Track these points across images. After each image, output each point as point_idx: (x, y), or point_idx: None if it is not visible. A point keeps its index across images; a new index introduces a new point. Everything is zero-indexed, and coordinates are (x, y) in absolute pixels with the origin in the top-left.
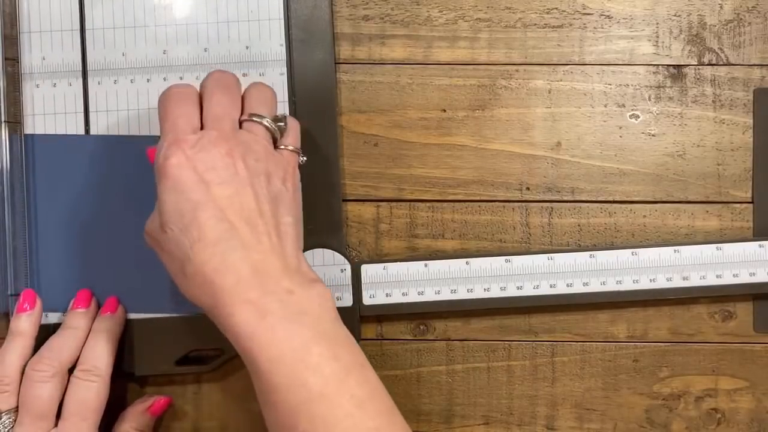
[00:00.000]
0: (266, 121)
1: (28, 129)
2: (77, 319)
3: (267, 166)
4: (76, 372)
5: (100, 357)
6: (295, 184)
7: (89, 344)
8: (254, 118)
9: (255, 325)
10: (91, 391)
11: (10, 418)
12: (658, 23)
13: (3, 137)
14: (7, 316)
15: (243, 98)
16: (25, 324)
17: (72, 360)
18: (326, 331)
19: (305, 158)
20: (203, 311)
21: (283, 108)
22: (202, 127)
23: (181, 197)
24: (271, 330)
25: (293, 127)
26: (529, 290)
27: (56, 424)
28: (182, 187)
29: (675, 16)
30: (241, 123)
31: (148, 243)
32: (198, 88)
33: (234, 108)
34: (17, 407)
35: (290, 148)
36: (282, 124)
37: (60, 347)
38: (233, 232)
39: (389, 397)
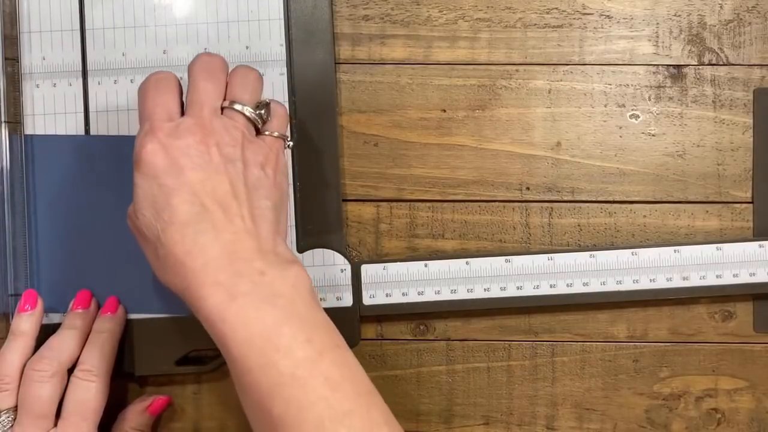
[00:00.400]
0: (247, 110)
1: (28, 129)
2: (77, 320)
3: (244, 153)
4: (75, 372)
5: (99, 357)
6: (278, 169)
7: (89, 344)
8: (235, 107)
9: (225, 307)
10: (90, 391)
11: (9, 417)
12: (658, 23)
13: (3, 137)
14: (7, 317)
15: (227, 82)
16: (26, 324)
17: (72, 360)
18: (300, 313)
19: (292, 143)
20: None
21: None
22: (184, 113)
23: (153, 182)
24: (242, 312)
25: (279, 113)
26: (529, 290)
27: (56, 424)
28: (155, 172)
29: (675, 16)
30: (222, 109)
31: (131, 229)
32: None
33: (216, 95)
34: (16, 406)
35: (275, 134)
36: (263, 111)
37: (59, 347)
38: (205, 215)
39: (368, 379)
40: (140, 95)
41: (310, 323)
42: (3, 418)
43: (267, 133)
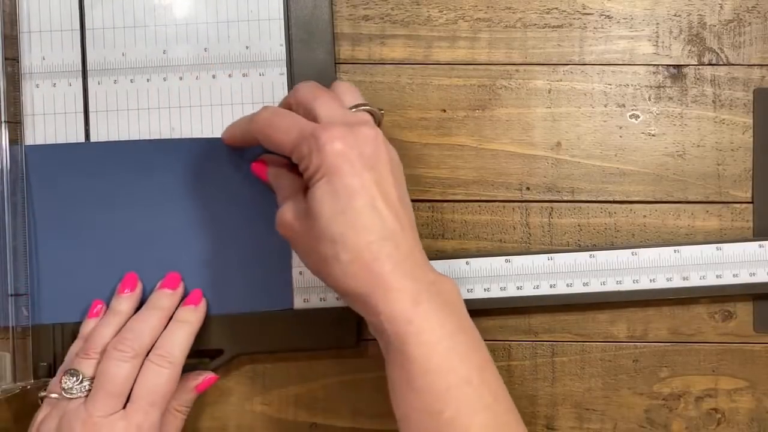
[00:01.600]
0: (369, 108)
1: (28, 129)
2: (164, 300)
3: (390, 151)
4: (150, 356)
5: (176, 345)
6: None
7: (168, 331)
8: (362, 108)
9: (412, 310)
10: (162, 377)
11: (87, 384)
12: (658, 23)
13: (3, 137)
14: (6, 330)
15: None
16: (123, 304)
17: (152, 343)
18: (465, 323)
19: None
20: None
21: None
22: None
23: (336, 183)
24: (426, 316)
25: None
26: (529, 290)
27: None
28: (340, 174)
29: (675, 16)
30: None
31: (282, 233)
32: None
33: (339, 102)
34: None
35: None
36: (375, 108)
37: (142, 330)
38: (384, 221)
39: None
40: (264, 130)
41: (475, 334)
42: (84, 383)
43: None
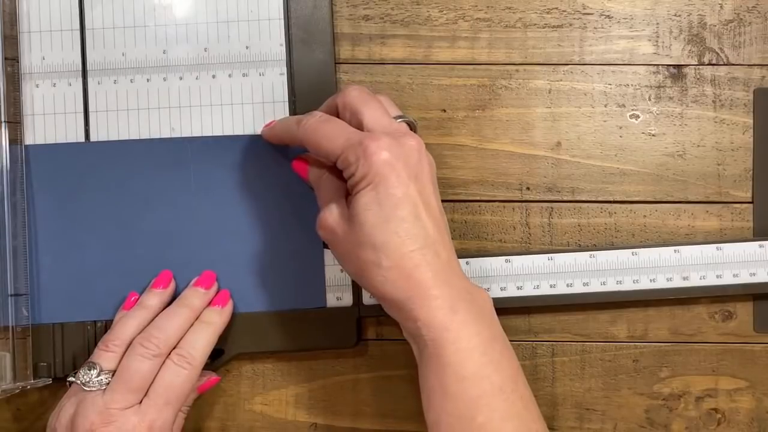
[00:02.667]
0: (407, 120)
1: (28, 129)
2: (195, 299)
3: (430, 161)
4: (172, 355)
5: (198, 347)
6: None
7: (192, 331)
8: (401, 120)
9: (450, 317)
10: (180, 377)
11: (107, 377)
12: (658, 23)
13: (3, 137)
14: (6, 330)
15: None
16: (153, 300)
17: (177, 341)
18: (498, 332)
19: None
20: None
21: (282, 108)
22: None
23: (382, 192)
24: (463, 324)
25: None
26: (529, 290)
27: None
28: (386, 183)
29: (675, 16)
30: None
31: (323, 236)
32: None
33: (385, 112)
34: (115, 371)
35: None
36: (413, 119)
37: (169, 328)
38: (426, 230)
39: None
40: (312, 136)
41: (507, 343)
42: (102, 377)
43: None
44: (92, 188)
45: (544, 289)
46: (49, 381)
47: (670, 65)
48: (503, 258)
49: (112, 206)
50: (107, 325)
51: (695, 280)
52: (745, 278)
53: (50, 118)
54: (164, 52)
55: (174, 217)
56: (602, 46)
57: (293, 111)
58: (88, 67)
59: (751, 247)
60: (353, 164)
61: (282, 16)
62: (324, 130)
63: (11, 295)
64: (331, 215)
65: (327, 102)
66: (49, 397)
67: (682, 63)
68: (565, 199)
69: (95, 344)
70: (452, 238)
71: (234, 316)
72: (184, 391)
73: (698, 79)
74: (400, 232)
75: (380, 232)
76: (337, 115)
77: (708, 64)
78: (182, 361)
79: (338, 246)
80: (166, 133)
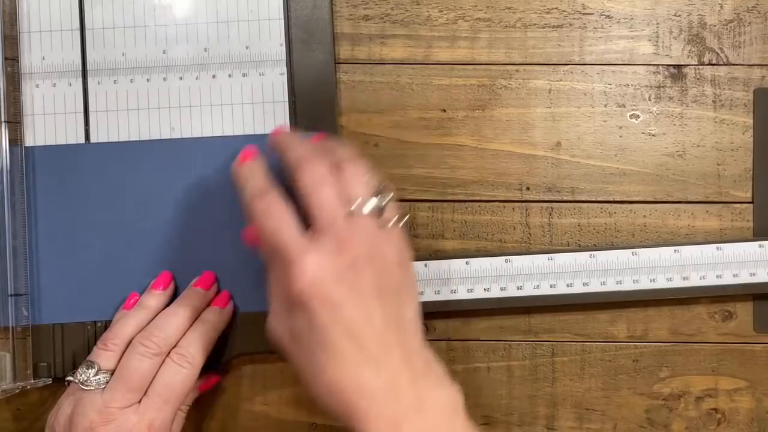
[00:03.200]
0: (370, 206)
1: (28, 129)
2: (195, 299)
3: (384, 258)
4: (172, 354)
5: (198, 346)
6: (410, 260)
7: (192, 330)
8: (361, 209)
9: None
10: (179, 376)
11: (105, 377)
12: (658, 23)
13: (3, 137)
14: (6, 330)
15: (339, 178)
16: (153, 301)
17: (177, 341)
18: None
19: (407, 216)
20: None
21: (282, 108)
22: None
23: (310, 318)
24: None
25: (390, 192)
26: (529, 290)
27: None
28: (312, 311)
29: (675, 16)
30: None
31: (273, 340)
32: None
33: (339, 200)
34: (113, 370)
35: (393, 222)
36: (385, 196)
37: (168, 328)
38: (363, 352)
39: None
40: (257, 218)
41: None
42: (100, 377)
43: (388, 223)
44: (93, 188)
45: (544, 289)
46: (49, 381)
47: (670, 65)
48: (503, 258)
49: (114, 206)
50: (107, 325)
51: (695, 280)
52: (745, 278)
53: (50, 118)
54: (164, 52)
55: (174, 217)
56: (602, 46)
57: (293, 111)
58: (88, 67)
59: (751, 247)
60: (282, 279)
61: (282, 16)
62: (266, 222)
63: (11, 295)
64: (275, 327)
65: (294, 152)
66: (50, 397)
67: (682, 63)
68: (565, 199)
69: (95, 344)
70: (453, 238)
71: (234, 316)
72: (184, 390)
73: (698, 79)
74: (335, 353)
75: (315, 353)
76: None
77: (708, 64)
78: (182, 360)
79: (284, 351)
80: (166, 134)
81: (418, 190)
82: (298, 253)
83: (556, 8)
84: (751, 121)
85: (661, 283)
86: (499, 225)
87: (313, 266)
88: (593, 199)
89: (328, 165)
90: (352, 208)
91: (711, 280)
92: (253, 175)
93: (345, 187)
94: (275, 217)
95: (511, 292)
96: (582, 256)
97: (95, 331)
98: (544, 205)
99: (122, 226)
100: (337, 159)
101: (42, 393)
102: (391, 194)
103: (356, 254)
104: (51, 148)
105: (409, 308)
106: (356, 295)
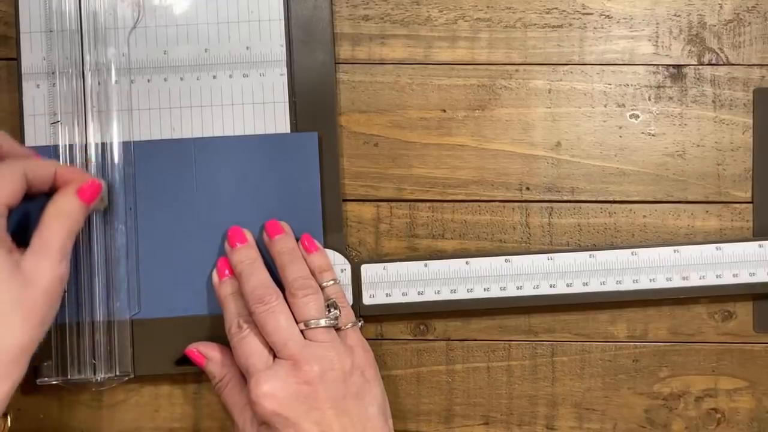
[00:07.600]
0: (323, 323)
1: (28, 129)
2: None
3: (339, 369)
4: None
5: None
6: (369, 362)
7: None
8: (311, 325)
9: None
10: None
11: (335, 314)
12: (658, 23)
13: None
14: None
15: (289, 302)
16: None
17: None
18: None
19: (361, 322)
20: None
21: (283, 108)
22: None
23: (274, 430)
24: None
25: (341, 299)
26: (529, 290)
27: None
28: (274, 422)
29: (675, 16)
30: (302, 332)
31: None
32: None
33: (292, 325)
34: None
35: (349, 326)
36: (336, 310)
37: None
38: None
39: None
40: (235, 348)
41: None
42: (333, 312)
43: (344, 328)
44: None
45: (544, 289)
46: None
47: (670, 65)
48: (503, 258)
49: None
50: (101, 325)
51: (695, 280)
52: (744, 278)
53: (50, 118)
54: (165, 53)
55: (174, 217)
56: (602, 46)
57: (293, 111)
58: (88, 67)
59: (751, 247)
60: (249, 396)
61: (282, 17)
62: (239, 348)
63: None
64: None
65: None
66: (50, 397)
67: (682, 63)
68: (564, 199)
69: (86, 344)
70: (452, 238)
71: None
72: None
73: (698, 79)
74: None
75: None
76: None
77: (708, 64)
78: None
79: None
80: (166, 134)
81: (418, 190)
82: (258, 379)
83: (556, 8)
84: (751, 121)
85: (660, 283)
86: (499, 225)
87: (272, 388)
88: (593, 199)
89: (278, 294)
90: (301, 327)
91: (711, 280)
92: (235, 298)
93: (297, 311)
94: (246, 340)
95: (511, 292)
96: (582, 256)
97: (93, 331)
98: (544, 205)
99: (122, 225)
100: (289, 283)
101: (43, 393)
102: (342, 306)
103: (309, 373)
104: (53, 149)
105: (371, 405)
106: (312, 410)
